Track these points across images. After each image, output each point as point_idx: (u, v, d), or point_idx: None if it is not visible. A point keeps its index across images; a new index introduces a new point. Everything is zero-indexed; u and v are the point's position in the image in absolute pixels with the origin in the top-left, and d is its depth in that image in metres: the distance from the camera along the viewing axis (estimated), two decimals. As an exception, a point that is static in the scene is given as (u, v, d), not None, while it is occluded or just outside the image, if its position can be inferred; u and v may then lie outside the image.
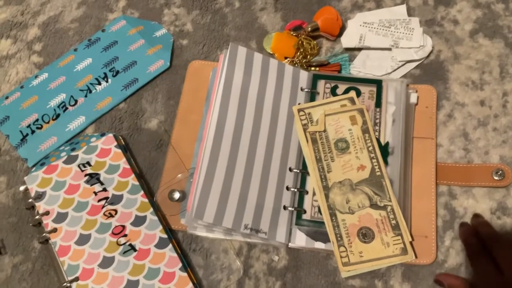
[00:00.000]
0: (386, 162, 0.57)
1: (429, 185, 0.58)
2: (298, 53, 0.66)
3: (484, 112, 0.62)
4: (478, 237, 0.53)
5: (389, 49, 0.65)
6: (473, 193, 0.58)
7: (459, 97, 0.63)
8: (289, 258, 0.57)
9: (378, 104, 0.60)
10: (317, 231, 0.56)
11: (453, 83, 0.64)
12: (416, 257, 0.54)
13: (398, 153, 0.58)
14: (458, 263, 0.55)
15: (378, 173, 0.56)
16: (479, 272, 0.51)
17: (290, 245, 0.56)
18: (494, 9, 0.68)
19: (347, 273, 0.53)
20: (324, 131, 0.59)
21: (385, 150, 0.57)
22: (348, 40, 0.67)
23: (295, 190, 0.57)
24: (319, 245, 0.56)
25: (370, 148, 0.57)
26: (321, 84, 0.62)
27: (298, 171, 0.58)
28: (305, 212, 0.56)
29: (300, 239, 0.56)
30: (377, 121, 0.59)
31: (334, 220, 0.55)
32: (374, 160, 0.57)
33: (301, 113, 0.60)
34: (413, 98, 0.61)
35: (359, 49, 0.67)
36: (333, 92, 0.61)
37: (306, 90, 0.62)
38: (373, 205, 0.55)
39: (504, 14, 0.67)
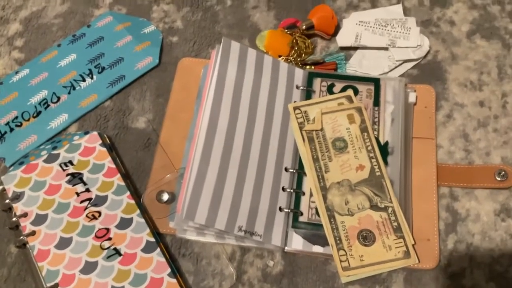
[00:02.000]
0: (385, 162, 0.55)
1: (430, 187, 0.56)
2: (293, 52, 0.64)
3: (484, 113, 0.60)
4: None
5: (386, 48, 0.64)
6: (475, 194, 0.56)
7: (458, 98, 0.61)
8: (285, 263, 0.54)
9: (376, 103, 0.58)
10: (314, 234, 0.53)
11: (451, 83, 0.62)
12: (419, 261, 0.51)
13: (398, 153, 0.55)
14: (462, 268, 0.52)
15: (378, 173, 0.54)
16: None
17: (287, 249, 0.53)
18: (490, 11, 0.67)
19: (347, 278, 0.50)
20: (321, 130, 0.56)
21: (384, 149, 0.55)
22: (343, 39, 0.65)
23: (291, 191, 0.54)
24: (317, 248, 0.53)
25: (369, 148, 0.55)
26: (317, 82, 0.60)
27: (294, 171, 0.55)
28: (301, 214, 0.53)
29: (297, 243, 0.53)
30: (376, 120, 0.57)
31: (332, 222, 0.52)
32: (373, 160, 0.54)
33: (297, 111, 0.57)
34: (411, 98, 0.59)
35: (355, 49, 0.65)
36: (330, 90, 0.59)
37: (301, 88, 0.59)
38: (374, 207, 0.52)
39: (500, 16, 0.66)
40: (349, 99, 0.58)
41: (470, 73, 0.63)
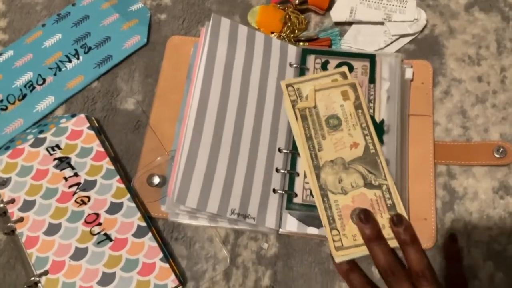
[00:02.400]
0: (381, 141, 0.53)
1: (427, 165, 0.54)
2: (286, 28, 0.62)
3: (482, 88, 0.59)
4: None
5: (382, 23, 0.62)
6: (473, 172, 0.55)
7: (456, 73, 0.60)
8: (279, 245, 0.53)
9: (372, 79, 0.56)
10: (309, 216, 0.52)
11: (449, 58, 0.60)
12: (415, 240, 0.50)
13: (394, 131, 0.54)
14: (460, 247, 0.52)
15: (372, 151, 0.52)
16: None
17: (281, 231, 0.52)
18: (489, -18, 0.64)
19: (340, 258, 0.49)
20: (315, 107, 0.54)
21: (380, 128, 0.54)
22: (338, 13, 0.63)
23: (285, 172, 0.53)
24: (312, 230, 0.52)
25: (364, 125, 0.53)
26: (310, 59, 0.58)
27: (288, 151, 0.54)
28: (296, 195, 0.52)
29: (291, 225, 0.52)
30: (371, 97, 0.56)
31: (326, 202, 0.50)
32: (368, 137, 0.53)
33: (290, 88, 0.55)
34: (408, 74, 0.58)
35: (350, 24, 0.63)
36: (324, 67, 0.57)
37: (295, 65, 0.58)
38: (368, 185, 0.51)
39: (500, -13, 0.64)
40: (344, 75, 0.56)
41: (468, 47, 0.61)
